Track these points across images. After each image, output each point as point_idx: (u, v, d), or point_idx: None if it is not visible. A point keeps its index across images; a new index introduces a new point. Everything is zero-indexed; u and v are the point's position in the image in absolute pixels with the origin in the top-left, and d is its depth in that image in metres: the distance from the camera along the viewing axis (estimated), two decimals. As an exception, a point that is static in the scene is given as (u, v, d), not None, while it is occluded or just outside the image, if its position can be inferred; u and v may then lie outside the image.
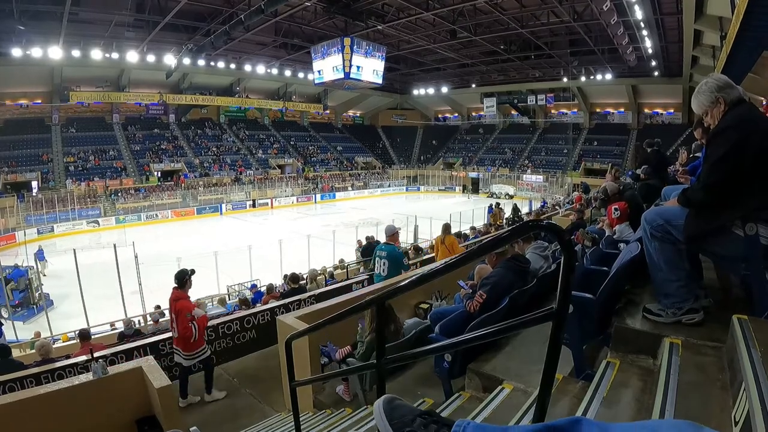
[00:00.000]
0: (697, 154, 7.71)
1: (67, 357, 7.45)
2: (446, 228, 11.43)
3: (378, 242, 18.88)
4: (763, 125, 2.65)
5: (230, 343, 8.24)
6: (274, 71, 46.45)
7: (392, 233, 8.70)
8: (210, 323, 8.25)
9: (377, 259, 8.57)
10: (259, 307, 9.74)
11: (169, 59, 37.75)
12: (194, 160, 46.14)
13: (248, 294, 15.66)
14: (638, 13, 26.39)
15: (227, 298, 15.26)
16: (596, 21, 29.59)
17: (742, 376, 1.64)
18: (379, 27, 33.18)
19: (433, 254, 13.05)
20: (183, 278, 6.82)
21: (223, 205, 41.88)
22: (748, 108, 2.71)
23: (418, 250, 15.84)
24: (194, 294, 16.81)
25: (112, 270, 16.21)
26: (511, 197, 44.32)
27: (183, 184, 42.19)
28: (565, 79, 47.64)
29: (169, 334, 7.68)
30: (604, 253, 5.12)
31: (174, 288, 6.83)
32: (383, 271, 8.39)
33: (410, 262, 12.37)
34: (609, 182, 7.93)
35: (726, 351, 2.20)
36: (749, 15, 12.40)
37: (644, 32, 30.21)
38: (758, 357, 1.68)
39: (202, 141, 49.10)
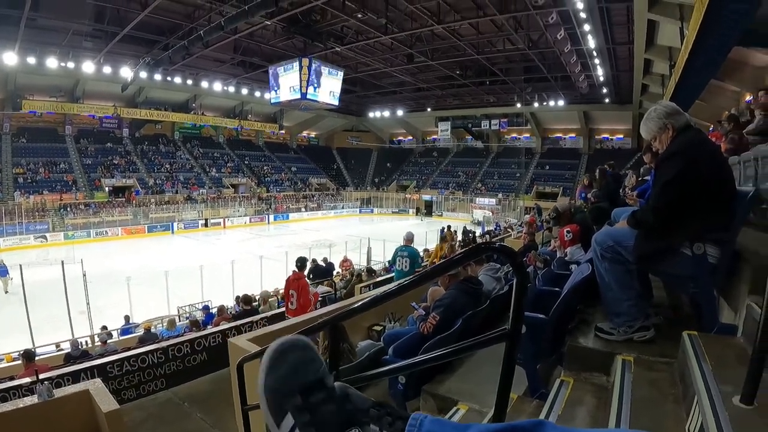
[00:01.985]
0: (645, 178, 7.95)
1: (11, 378, 7.20)
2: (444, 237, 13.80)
3: (331, 264, 18.94)
4: (710, 150, 2.78)
5: (180, 366, 8.06)
6: (231, 89, 45.91)
7: (410, 238, 10.93)
8: (160, 345, 8.14)
9: (399, 258, 10.71)
10: (210, 329, 9.61)
11: (126, 72, 36.89)
12: (147, 176, 45.13)
13: (199, 315, 15.38)
14: (591, 43, 27.11)
15: (177, 320, 14.94)
16: (550, 49, 30.24)
17: (695, 390, 1.69)
18: (337, 49, 33.19)
19: (391, 276, 13.48)
20: (304, 263, 9.50)
21: (175, 224, 40.99)
22: (695, 134, 2.82)
23: (371, 272, 15.90)
24: (143, 315, 16.50)
25: (59, 287, 15.75)
26: (486, 223, 44.03)
27: (134, 201, 41.19)
28: (518, 105, 48.63)
29: (117, 356, 7.65)
30: (555, 275, 5.20)
31: (294, 271, 8.99)
32: (405, 267, 10.47)
33: (363, 284, 12.68)
34: (561, 201, 8.13)
35: (677, 366, 2.26)
36: (697, 45, 12.99)
37: (596, 61, 31.11)
38: (709, 370, 1.73)
39: (155, 157, 48.10)
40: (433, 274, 1.57)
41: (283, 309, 10.98)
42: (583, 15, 23.13)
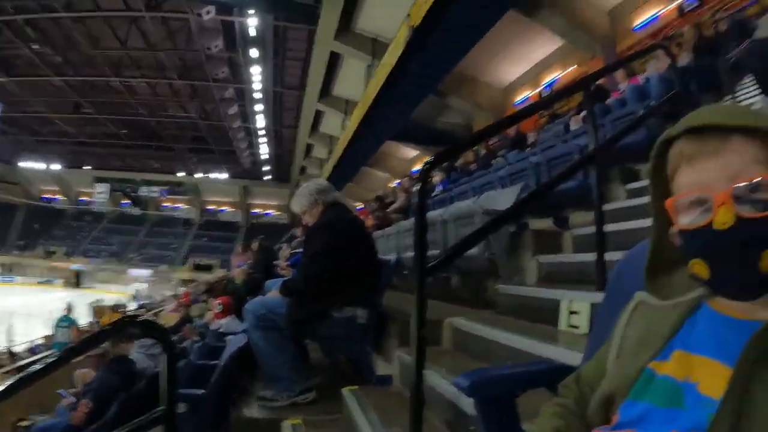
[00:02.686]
0: (297, 250, 8.59)
1: None
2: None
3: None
4: (354, 225, 3.25)
5: None
6: None
7: (70, 307, 12.41)
8: None
9: (60, 328, 11.65)
10: None
11: None
12: None
13: None
14: (260, 122, 28.66)
15: None
16: (220, 123, 31.25)
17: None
18: (1, 79, 29.02)
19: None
20: None
21: None
22: (341, 209, 3.26)
23: (13, 355, 13.91)
24: None
25: None
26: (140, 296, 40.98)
27: None
28: (181, 174, 48.67)
29: None
30: (212, 347, 5.21)
31: None
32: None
33: (4, 370, 11.62)
34: (217, 274, 8.39)
35: (344, 420, 2.43)
36: (354, 137, 14.99)
37: (262, 140, 32.87)
38: (376, 419, 1.90)
39: None
40: (73, 354, 1.48)
41: None
42: (258, 95, 24.38)
